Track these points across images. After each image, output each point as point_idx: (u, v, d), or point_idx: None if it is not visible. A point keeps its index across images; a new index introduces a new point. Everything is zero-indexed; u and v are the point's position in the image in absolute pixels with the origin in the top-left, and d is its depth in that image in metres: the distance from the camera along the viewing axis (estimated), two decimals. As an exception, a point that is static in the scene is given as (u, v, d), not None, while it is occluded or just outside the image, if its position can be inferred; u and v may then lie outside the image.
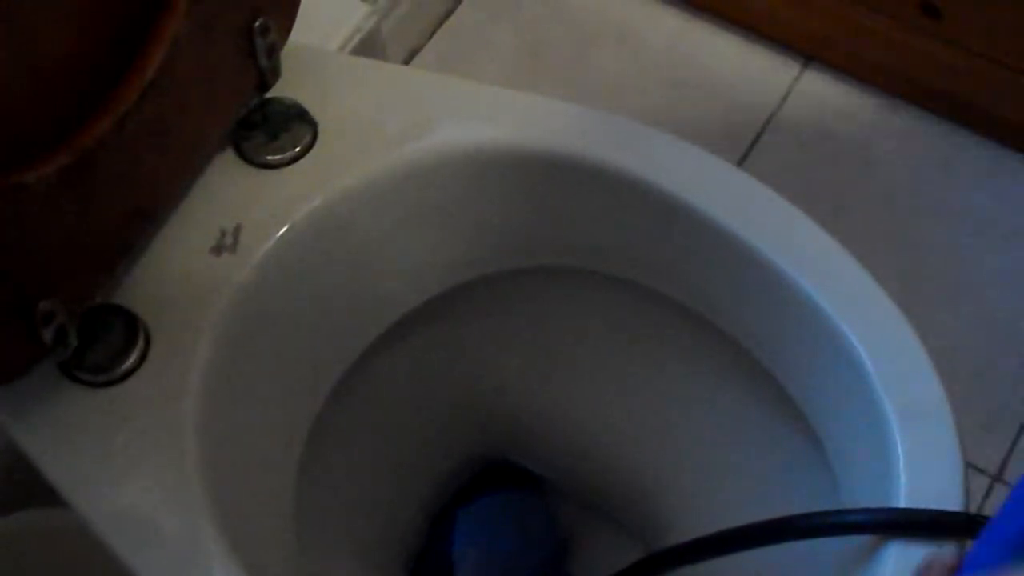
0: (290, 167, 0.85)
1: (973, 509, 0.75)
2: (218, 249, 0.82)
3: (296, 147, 0.86)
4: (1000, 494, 1.17)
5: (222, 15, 0.80)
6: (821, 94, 1.41)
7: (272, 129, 0.86)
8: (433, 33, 1.46)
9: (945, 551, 0.58)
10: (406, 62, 1.43)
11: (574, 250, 0.92)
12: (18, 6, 0.68)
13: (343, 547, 0.95)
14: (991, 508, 1.16)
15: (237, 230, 0.83)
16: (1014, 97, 1.32)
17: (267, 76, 0.86)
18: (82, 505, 0.74)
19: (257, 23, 0.83)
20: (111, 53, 0.74)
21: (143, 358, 0.78)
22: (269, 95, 0.87)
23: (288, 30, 0.87)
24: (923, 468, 0.73)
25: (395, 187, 0.87)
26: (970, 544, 0.55)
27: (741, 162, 1.37)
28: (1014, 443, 1.21)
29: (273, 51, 0.85)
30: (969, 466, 0.73)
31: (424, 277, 0.93)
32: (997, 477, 1.18)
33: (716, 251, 0.84)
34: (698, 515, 0.93)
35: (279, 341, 0.85)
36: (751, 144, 1.38)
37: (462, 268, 0.94)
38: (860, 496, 0.77)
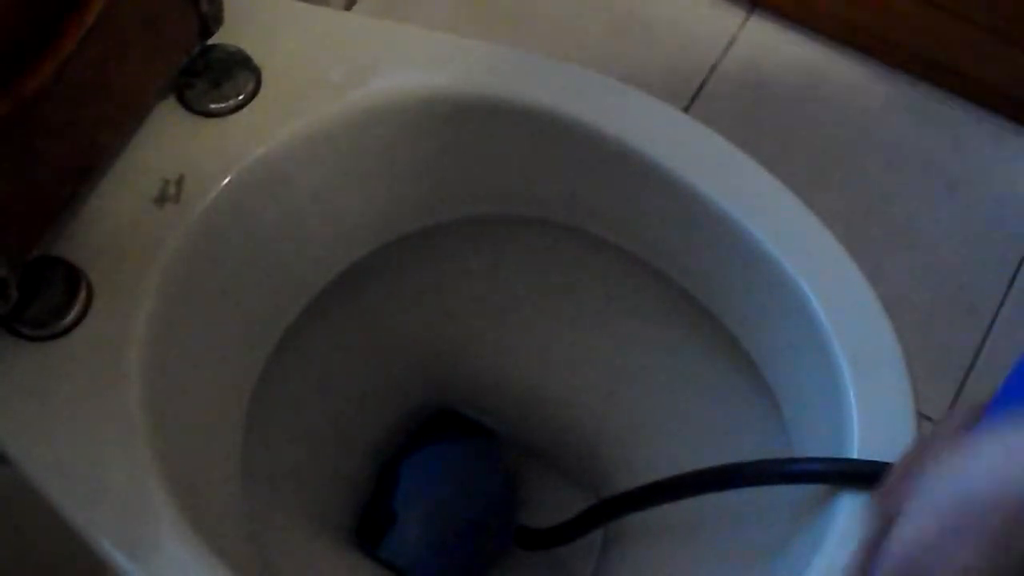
0: (234, 115, 0.84)
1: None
2: (161, 200, 0.81)
3: (239, 95, 0.85)
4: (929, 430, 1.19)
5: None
6: (767, 41, 1.42)
7: (215, 77, 0.85)
8: (376, -22, 1.45)
9: (957, 410, 0.57)
10: (348, 8, 1.42)
11: (520, 198, 0.92)
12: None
13: (291, 498, 0.94)
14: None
15: (180, 180, 0.82)
16: (957, 42, 1.32)
17: (209, 22, 0.85)
18: (23, 460, 0.73)
19: (198, -33, 0.82)
20: (45, 4, 0.73)
21: (85, 311, 0.77)
22: (211, 42, 0.86)
23: (229, -26, 0.86)
24: (876, 418, 0.74)
25: (339, 135, 0.86)
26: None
27: (687, 109, 1.37)
28: (959, 390, 1.22)
29: (214, -4, 0.84)
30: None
31: (369, 227, 0.93)
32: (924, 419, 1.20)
33: (663, 198, 0.84)
34: (647, 465, 0.93)
35: (224, 293, 0.84)
36: (696, 91, 1.38)
37: (408, 217, 0.93)
38: (812, 446, 0.78)
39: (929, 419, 1.21)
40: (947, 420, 0.57)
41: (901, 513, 0.53)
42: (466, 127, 0.87)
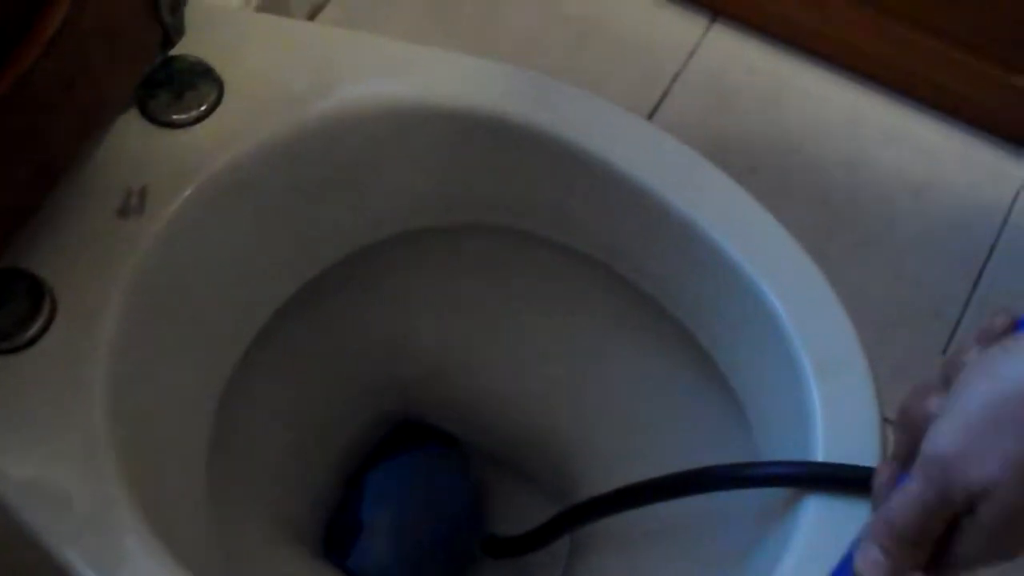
0: (196, 126, 0.84)
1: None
2: (124, 211, 0.81)
3: (202, 106, 0.84)
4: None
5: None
6: (728, 50, 1.42)
7: (177, 88, 0.85)
8: (338, -12, 1.45)
9: (990, 321, 0.58)
10: (311, 18, 1.41)
11: (485, 207, 0.92)
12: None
13: (258, 512, 0.94)
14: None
15: (143, 191, 0.81)
16: (918, 52, 1.33)
17: (171, 33, 0.84)
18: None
19: (158, -21, 0.82)
20: (12, 9, 0.73)
21: (49, 324, 0.76)
22: (174, 53, 0.86)
23: (190, -15, 0.85)
24: (840, 422, 0.74)
25: (302, 146, 0.86)
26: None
27: (650, 117, 1.37)
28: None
29: (176, 7, 0.84)
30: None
31: (333, 237, 0.93)
32: (889, 422, 1.20)
33: (629, 205, 0.84)
34: (612, 472, 0.93)
35: (188, 304, 0.84)
36: (659, 100, 1.38)
37: (371, 228, 0.93)
38: (776, 450, 0.78)
39: (890, 422, 1.21)
40: (969, 338, 0.57)
41: (934, 423, 0.54)
42: (430, 138, 0.87)
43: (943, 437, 0.53)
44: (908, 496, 0.55)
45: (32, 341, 0.76)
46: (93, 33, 0.77)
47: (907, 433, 0.58)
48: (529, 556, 1.05)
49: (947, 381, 0.56)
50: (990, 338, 0.56)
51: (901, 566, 0.56)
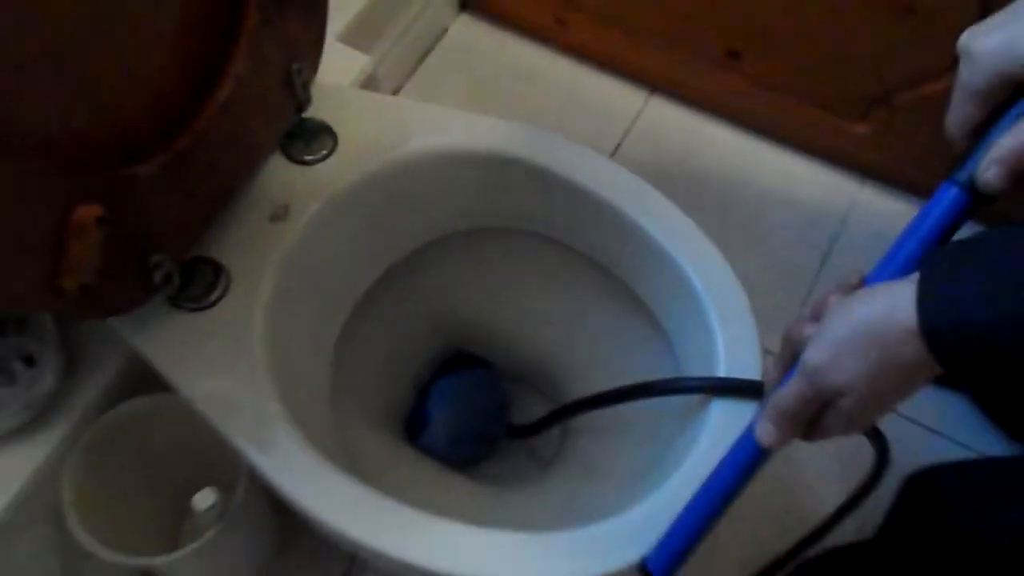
0: (320, 164, 0.84)
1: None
2: (275, 218, 0.81)
3: (324, 151, 0.84)
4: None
5: (268, 61, 0.78)
6: (661, 114, 1.41)
7: (307, 138, 0.85)
8: (411, 75, 1.44)
9: (847, 275, 0.57)
10: (394, 93, 1.41)
11: (505, 215, 0.91)
12: (138, 60, 0.66)
13: (361, 412, 0.94)
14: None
15: (286, 206, 0.81)
16: (788, 111, 1.32)
17: (302, 102, 0.84)
18: (186, 391, 0.73)
19: (294, 66, 0.81)
20: (195, 88, 0.72)
21: (225, 292, 0.77)
22: (305, 115, 0.86)
23: (315, 71, 0.85)
24: (735, 350, 0.74)
25: (387, 178, 0.85)
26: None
27: (611, 156, 1.36)
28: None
29: (306, 85, 0.84)
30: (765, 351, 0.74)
31: (408, 236, 0.92)
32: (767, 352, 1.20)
33: (599, 215, 0.83)
34: (587, 384, 0.93)
35: (316, 279, 0.84)
36: (616, 147, 1.37)
37: (432, 230, 0.93)
38: (693, 370, 0.78)
39: (770, 352, 1.22)
40: (832, 287, 0.57)
41: (809, 342, 0.53)
42: (469, 172, 0.87)
43: (817, 353, 0.52)
44: (791, 390, 0.55)
45: (214, 303, 0.76)
46: (250, 102, 0.77)
47: (787, 349, 0.58)
48: (535, 439, 1.05)
49: (816, 316, 0.56)
50: (847, 289, 0.55)
51: (787, 435, 0.56)
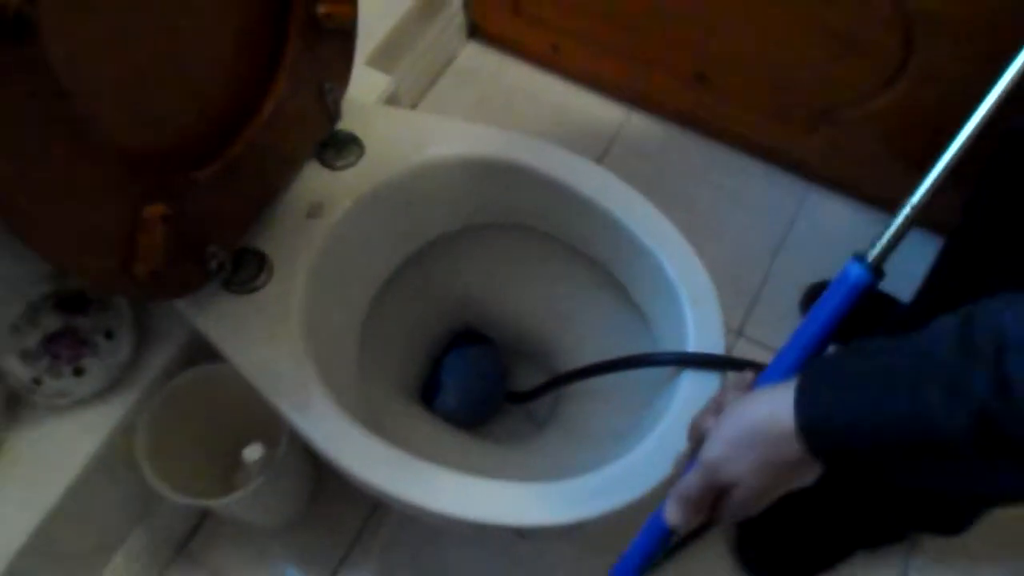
0: (350, 169, 0.84)
1: (728, 352, 0.76)
2: (311, 215, 0.81)
3: (353, 158, 0.84)
4: (740, 344, 1.18)
5: (306, 82, 0.78)
6: (641, 129, 1.40)
7: (338, 147, 0.85)
8: (427, 93, 1.44)
9: (743, 375, 0.56)
10: (412, 108, 1.40)
11: (506, 212, 0.91)
12: (198, 86, 0.66)
13: (385, 380, 0.94)
14: (737, 350, 1.18)
15: (321, 204, 0.81)
16: (749, 122, 1.31)
17: (334, 117, 0.84)
18: (237, 361, 0.73)
19: (327, 86, 0.81)
20: (244, 105, 0.73)
21: (269, 278, 0.77)
22: (336, 128, 0.85)
23: (344, 89, 0.85)
24: (702, 328, 0.74)
25: (407, 181, 0.85)
26: (730, 375, 0.55)
27: (599, 162, 1.35)
28: (746, 314, 1.22)
29: (337, 102, 0.84)
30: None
31: (425, 229, 0.92)
32: (740, 333, 1.20)
33: (588, 213, 0.83)
34: (577, 357, 0.93)
35: (346, 267, 0.84)
36: (601, 155, 1.37)
37: (445, 224, 0.93)
38: (667, 346, 0.78)
39: (731, 330, 1.22)
40: (730, 385, 0.56)
41: (707, 437, 0.53)
42: (481, 175, 0.87)
43: (712, 450, 0.51)
44: (692, 480, 0.53)
45: (259, 288, 0.77)
46: (290, 117, 0.77)
47: (693, 439, 0.56)
48: (532, 403, 1.06)
49: (718, 409, 0.54)
50: (742, 388, 0.55)
51: (689, 518, 0.55)
